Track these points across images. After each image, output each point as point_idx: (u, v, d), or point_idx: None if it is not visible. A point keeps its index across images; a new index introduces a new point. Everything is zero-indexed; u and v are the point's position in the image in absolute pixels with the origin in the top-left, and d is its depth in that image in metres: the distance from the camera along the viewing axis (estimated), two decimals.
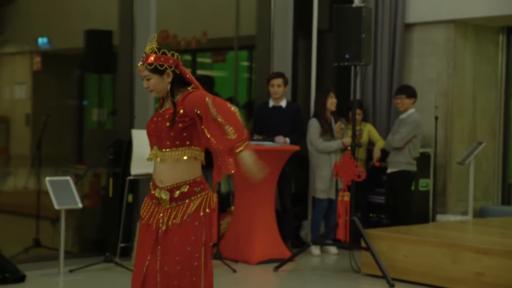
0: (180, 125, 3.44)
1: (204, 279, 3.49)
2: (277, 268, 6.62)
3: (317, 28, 7.99)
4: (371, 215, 7.98)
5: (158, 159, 3.50)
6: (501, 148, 8.71)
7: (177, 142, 3.47)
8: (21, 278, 5.86)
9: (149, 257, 3.49)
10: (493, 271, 5.72)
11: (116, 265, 6.42)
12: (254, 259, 6.81)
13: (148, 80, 3.50)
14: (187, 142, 3.48)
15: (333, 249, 7.51)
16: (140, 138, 6.72)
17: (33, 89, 8.62)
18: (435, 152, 7.89)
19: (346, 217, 6.49)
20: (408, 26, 8.27)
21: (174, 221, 3.47)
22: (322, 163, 7.37)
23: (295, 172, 7.63)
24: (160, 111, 3.56)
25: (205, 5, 9.07)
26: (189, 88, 3.52)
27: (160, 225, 3.49)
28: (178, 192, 3.48)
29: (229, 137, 3.28)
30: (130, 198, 6.84)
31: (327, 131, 7.37)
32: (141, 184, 6.90)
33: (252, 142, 6.87)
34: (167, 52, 3.56)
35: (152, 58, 3.50)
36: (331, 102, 7.39)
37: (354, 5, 7.23)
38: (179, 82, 3.53)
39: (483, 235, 6.63)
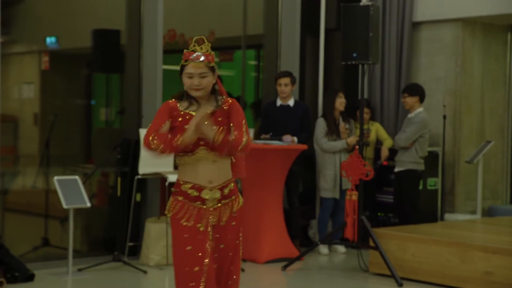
0: (226, 127, 3.58)
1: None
2: (285, 267, 6.62)
3: (325, 27, 7.98)
4: (379, 214, 7.97)
5: (209, 160, 3.55)
6: (510, 146, 8.69)
7: None
8: (30, 277, 5.88)
9: (207, 258, 3.56)
10: (502, 270, 5.70)
11: (124, 264, 6.43)
12: (262, 258, 6.82)
13: (202, 77, 3.54)
14: None
15: (341, 248, 7.51)
16: None
17: (41, 88, 8.64)
18: (443, 151, 7.88)
19: (354, 216, 6.48)
20: (416, 25, 8.25)
21: (225, 219, 3.60)
22: (327, 163, 7.38)
23: (303, 171, 7.63)
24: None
25: (212, 4, 9.08)
26: (224, 96, 3.66)
27: (213, 224, 3.58)
28: (227, 189, 3.60)
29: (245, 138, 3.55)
30: (138, 197, 6.85)
31: (333, 131, 7.37)
32: (149, 183, 6.91)
33: (260, 141, 6.87)
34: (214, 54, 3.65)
35: (210, 57, 3.57)
36: (340, 102, 7.38)
37: (361, 3, 7.22)
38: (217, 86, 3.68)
39: (491, 234, 6.61)
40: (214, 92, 3.63)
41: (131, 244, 6.79)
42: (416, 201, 7.40)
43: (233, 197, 3.63)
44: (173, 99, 3.62)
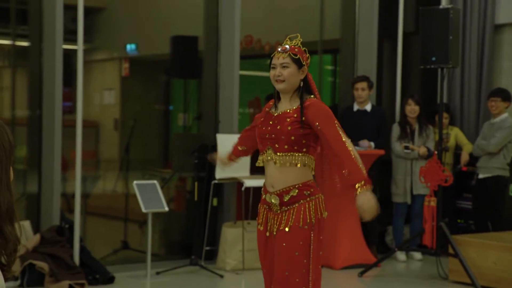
0: (301, 130, 3.40)
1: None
2: (361, 273, 6.55)
3: (403, 30, 7.88)
4: (458, 220, 7.80)
5: (273, 162, 3.44)
6: None
7: (295, 147, 3.41)
8: (110, 280, 6.00)
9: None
10: None
11: (201, 268, 6.49)
12: (338, 264, 6.77)
13: (284, 68, 3.44)
14: (304, 149, 3.43)
15: (417, 255, 7.38)
16: (224, 143, 6.78)
17: (121, 94, 8.82)
18: None
19: (432, 223, 6.36)
20: (498, 27, 8.04)
21: (283, 226, 3.43)
22: (399, 167, 7.33)
23: (380, 177, 7.55)
24: (276, 113, 3.50)
25: (288, 9, 9.09)
26: (311, 96, 3.49)
27: (271, 231, 3.48)
28: (287, 196, 3.43)
29: (359, 166, 3.36)
30: (215, 202, 6.90)
31: (404, 137, 7.29)
32: (226, 188, 6.96)
33: None
34: (306, 51, 3.55)
35: (297, 49, 3.47)
36: (408, 109, 7.29)
37: (441, 6, 7.09)
38: (307, 86, 3.51)
39: None
40: (299, 90, 3.46)
41: (207, 248, 6.85)
42: (503, 208, 7.21)
43: (296, 204, 3.42)
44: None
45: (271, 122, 3.47)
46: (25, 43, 6.71)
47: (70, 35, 6.18)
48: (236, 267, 6.56)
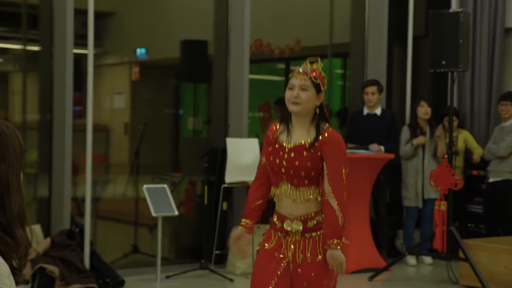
0: (321, 164, 3.27)
1: None
2: (372, 277, 6.53)
3: (413, 34, 7.87)
4: (469, 225, 7.77)
5: (291, 199, 3.29)
6: None
7: (315, 181, 3.29)
8: (121, 283, 6.01)
9: (274, 282, 3.31)
10: None
11: (211, 272, 6.49)
12: (348, 268, 6.71)
13: (303, 90, 3.26)
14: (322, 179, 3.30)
15: (427, 259, 7.36)
16: (234, 147, 6.79)
17: (131, 98, 8.85)
18: None
19: (443, 227, 6.34)
20: (508, 31, 8.01)
21: (309, 255, 3.28)
22: (409, 171, 7.31)
23: (390, 181, 7.53)
24: (290, 145, 3.31)
25: (298, 13, 9.09)
26: (326, 124, 3.32)
27: (294, 258, 3.30)
28: (313, 221, 3.29)
29: (340, 224, 3.21)
30: (225, 206, 6.91)
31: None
32: (236, 192, 6.96)
33: (346, 151, 6.81)
34: (325, 78, 3.40)
35: (317, 73, 3.31)
36: (421, 111, 7.27)
37: (451, 10, 7.08)
38: (323, 113, 3.33)
39: None
40: (315, 119, 3.29)
41: (217, 252, 6.85)
42: None
43: (321, 231, 3.27)
44: (278, 121, 3.41)
45: (286, 156, 3.29)
46: (35, 48, 6.74)
47: (80, 40, 6.21)
48: (246, 271, 6.56)
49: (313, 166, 3.25)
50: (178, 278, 6.38)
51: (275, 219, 3.39)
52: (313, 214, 3.29)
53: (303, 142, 3.28)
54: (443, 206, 6.36)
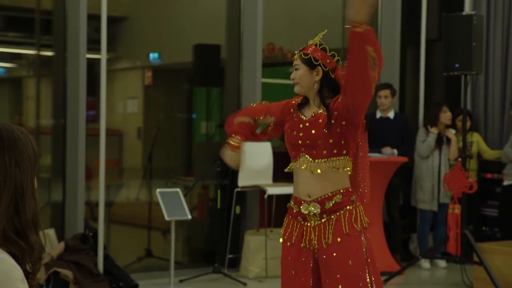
0: (338, 129, 3.14)
1: None
2: (385, 281, 6.51)
3: (426, 37, 7.85)
4: (483, 228, 7.73)
5: (309, 171, 3.16)
6: None
7: (335, 151, 3.14)
8: (134, 287, 6.02)
9: (311, 282, 3.16)
10: None
11: (224, 276, 6.49)
12: None
13: (296, 70, 3.23)
14: (344, 151, 3.16)
15: (441, 263, 7.33)
16: (247, 150, 6.78)
17: (144, 103, 8.87)
18: None
19: (457, 230, 6.31)
20: None
21: (331, 237, 3.12)
22: (425, 173, 7.27)
23: (403, 184, 7.51)
24: (306, 118, 3.23)
25: (311, 17, 9.09)
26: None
27: (315, 246, 3.15)
28: (331, 202, 3.15)
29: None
30: (238, 209, 6.91)
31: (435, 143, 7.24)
32: (249, 196, 6.96)
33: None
34: (327, 50, 3.27)
35: (310, 49, 3.23)
36: (445, 117, 7.22)
37: (464, 13, 7.05)
38: (331, 86, 3.23)
39: None
40: (323, 91, 3.20)
41: (230, 256, 6.85)
42: None
43: (341, 211, 3.14)
44: (298, 100, 3.32)
45: (301, 126, 3.21)
46: (49, 53, 6.77)
47: (93, 45, 6.24)
48: (259, 275, 6.56)
49: (330, 132, 3.13)
50: (192, 282, 6.39)
51: (292, 203, 3.26)
52: (330, 194, 3.15)
53: (319, 111, 3.21)
54: (457, 209, 6.33)
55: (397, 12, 7.80)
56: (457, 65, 6.40)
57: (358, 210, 3.20)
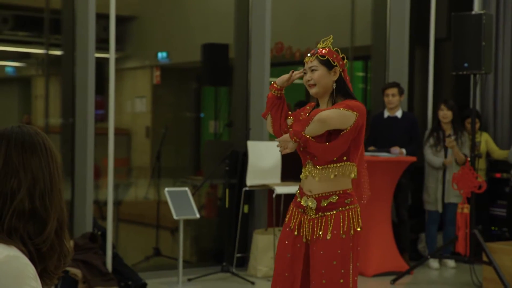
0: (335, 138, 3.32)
1: None
2: (394, 281, 6.50)
3: (434, 36, 7.83)
4: (492, 228, 7.71)
5: (315, 178, 3.36)
6: None
7: (335, 158, 3.32)
8: (143, 286, 6.03)
9: (301, 268, 3.42)
10: None
11: (232, 275, 6.50)
12: (370, 272, 6.72)
13: (313, 71, 3.35)
14: (344, 158, 3.32)
15: (450, 263, 7.31)
16: (255, 150, 6.79)
17: (153, 102, 8.88)
18: None
19: (466, 230, 6.29)
20: None
21: (320, 233, 3.33)
22: (430, 174, 7.28)
23: (412, 184, 7.50)
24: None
25: (319, 16, 9.08)
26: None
27: (307, 237, 3.39)
28: (326, 201, 3.36)
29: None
30: (246, 209, 6.91)
31: (437, 143, 7.23)
32: (257, 195, 6.97)
33: (368, 153, 6.80)
34: (339, 52, 3.42)
35: (325, 51, 3.37)
36: (440, 114, 7.23)
37: (473, 12, 7.03)
38: (341, 88, 3.38)
39: None
40: (337, 92, 3.36)
41: (239, 255, 6.86)
42: None
43: (334, 212, 3.34)
44: (314, 103, 3.52)
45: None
46: (58, 52, 6.79)
47: (102, 44, 6.25)
48: (267, 274, 6.55)
49: (333, 138, 3.28)
50: (200, 281, 6.39)
51: (297, 192, 3.51)
52: (327, 194, 3.36)
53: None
54: (466, 209, 6.32)
55: (406, 11, 7.78)
56: (466, 65, 6.39)
57: (351, 213, 3.34)
